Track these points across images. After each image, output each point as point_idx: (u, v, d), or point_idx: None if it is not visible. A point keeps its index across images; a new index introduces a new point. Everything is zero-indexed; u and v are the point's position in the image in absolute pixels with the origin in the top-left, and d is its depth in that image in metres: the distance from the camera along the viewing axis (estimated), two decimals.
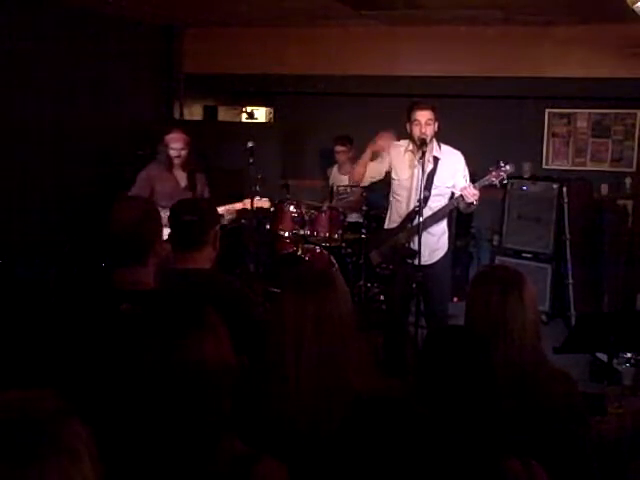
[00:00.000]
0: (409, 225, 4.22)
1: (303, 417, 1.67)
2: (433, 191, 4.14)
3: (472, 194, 3.97)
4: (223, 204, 4.67)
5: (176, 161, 4.71)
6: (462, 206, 4.19)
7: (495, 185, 4.10)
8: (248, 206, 4.84)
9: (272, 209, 5.42)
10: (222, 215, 4.63)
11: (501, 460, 1.52)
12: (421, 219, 3.94)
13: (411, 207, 4.18)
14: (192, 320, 1.38)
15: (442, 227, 4.31)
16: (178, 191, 4.63)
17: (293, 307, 1.76)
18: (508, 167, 4.03)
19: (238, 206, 4.89)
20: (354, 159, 6.21)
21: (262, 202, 4.90)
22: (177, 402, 1.31)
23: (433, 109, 4.09)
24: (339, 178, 6.19)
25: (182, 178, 4.76)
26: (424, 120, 4.06)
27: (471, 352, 1.64)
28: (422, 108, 4.08)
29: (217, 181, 5.12)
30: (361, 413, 1.29)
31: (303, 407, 1.68)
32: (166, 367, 1.31)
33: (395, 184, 4.32)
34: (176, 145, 4.69)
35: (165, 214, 4.60)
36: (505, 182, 4.14)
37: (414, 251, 4.07)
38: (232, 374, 1.38)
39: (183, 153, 4.71)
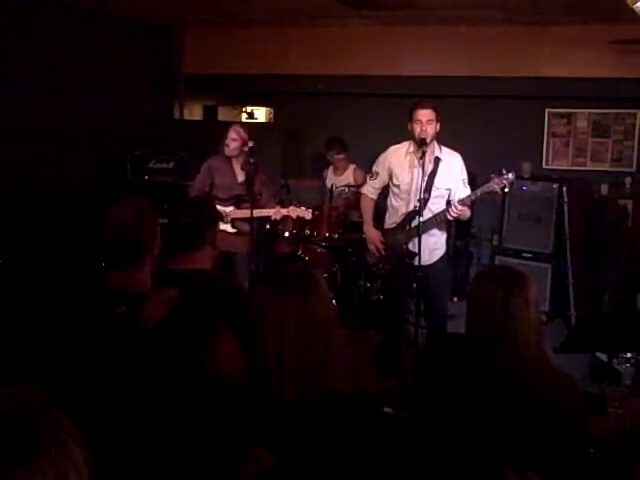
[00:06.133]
0: (408, 226, 4.21)
1: (286, 416, 1.65)
2: (433, 193, 4.12)
3: (456, 213, 4.00)
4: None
5: (226, 152, 4.76)
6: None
7: (496, 192, 4.07)
8: (292, 215, 4.83)
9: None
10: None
11: (498, 472, 1.50)
12: (421, 219, 3.94)
13: (411, 208, 4.17)
14: (207, 333, 1.35)
15: (441, 227, 4.31)
16: (235, 185, 4.77)
17: (274, 307, 1.74)
18: (510, 175, 3.99)
19: (273, 212, 4.77)
20: (349, 160, 6.21)
21: (304, 212, 4.84)
22: (192, 416, 1.27)
23: (435, 109, 4.08)
24: (335, 180, 6.17)
25: (240, 173, 4.83)
26: (425, 119, 4.04)
27: (473, 361, 1.59)
28: (424, 107, 4.06)
29: None
30: (328, 413, 1.25)
31: (285, 407, 1.66)
32: (182, 382, 1.28)
33: (395, 189, 4.29)
34: (231, 136, 4.77)
35: (222, 208, 4.59)
36: (507, 190, 4.10)
37: (413, 253, 4.06)
38: (244, 384, 1.36)
39: (234, 145, 4.74)
